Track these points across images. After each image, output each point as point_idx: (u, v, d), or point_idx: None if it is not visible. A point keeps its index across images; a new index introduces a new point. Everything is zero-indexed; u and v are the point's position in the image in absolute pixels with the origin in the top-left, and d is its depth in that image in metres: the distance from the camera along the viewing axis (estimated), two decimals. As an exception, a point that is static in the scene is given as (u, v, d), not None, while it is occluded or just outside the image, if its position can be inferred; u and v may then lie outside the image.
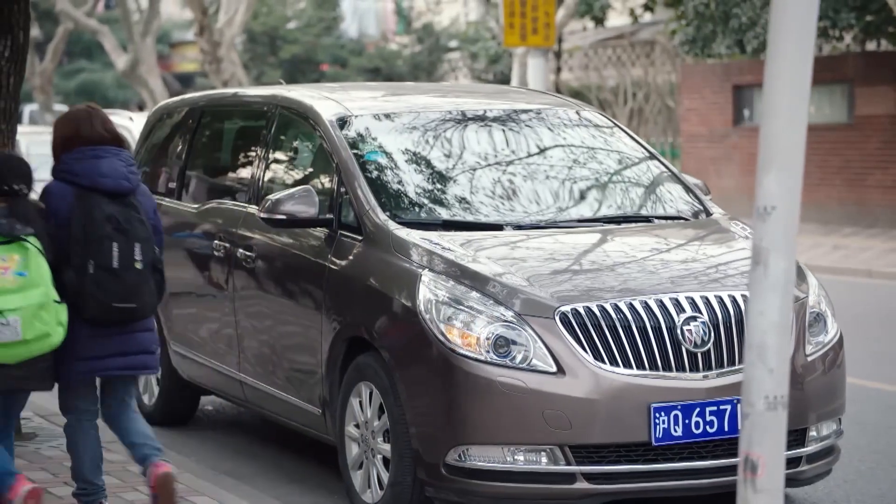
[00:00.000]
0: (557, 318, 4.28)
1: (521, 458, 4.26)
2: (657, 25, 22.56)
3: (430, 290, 4.40)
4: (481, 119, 5.33)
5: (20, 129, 7.29)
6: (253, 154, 5.70)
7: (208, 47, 18.50)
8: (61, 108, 27.02)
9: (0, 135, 5.24)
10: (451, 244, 4.60)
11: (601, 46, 23.58)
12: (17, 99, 5.25)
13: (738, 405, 4.25)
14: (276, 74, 26.39)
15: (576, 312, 4.28)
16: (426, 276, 4.45)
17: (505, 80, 23.59)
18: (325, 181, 5.15)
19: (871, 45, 16.98)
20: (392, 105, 5.50)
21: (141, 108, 33.57)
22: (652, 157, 5.43)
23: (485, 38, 24.33)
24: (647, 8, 21.55)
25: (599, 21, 22.18)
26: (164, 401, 6.26)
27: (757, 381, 2.29)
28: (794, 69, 2.23)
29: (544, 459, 4.25)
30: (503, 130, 5.29)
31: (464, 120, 5.31)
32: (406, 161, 5.10)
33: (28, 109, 31.17)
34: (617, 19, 23.97)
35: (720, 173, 17.06)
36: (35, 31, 27.26)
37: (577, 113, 5.55)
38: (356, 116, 5.25)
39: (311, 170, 5.38)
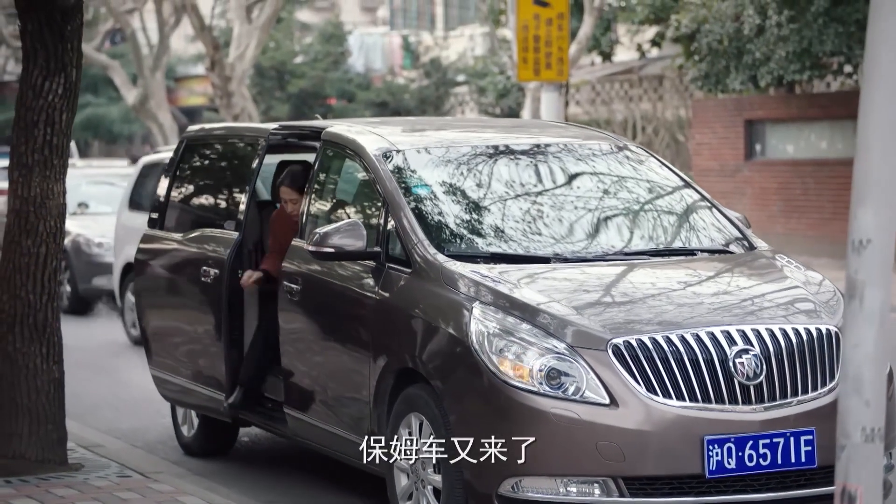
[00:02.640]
0: (610, 350, 4.31)
1: (574, 489, 4.28)
2: (664, 60, 22.73)
3: (481, 322, 4.44)
4: (524, 153, 5.39)
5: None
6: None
7: (219, 82, 18.62)
8: (72, 144, 27.04)
9: (52, 169, 5.31)
10: (500, 276, 4.65)
11: (609, 81, 23.74)
12: (69, 135, 5.32)
13: (792, 438, 4.28)
14: (283, 108, 26.53)
15: (628, 344, 4.32)
16: (477, 308, 4.49)
17: (513, 114, 23.71)
18: (371, 214, 5.20)
19: None
20: (434, 139, 5.56)
21: (147, 142, 33.71)
22: (694, 190, 5.48)
23: (493, 73, 24.49)
24: (655, 43, 21.74)
25: (607, 56, 22.34)
26: (202, 432, 6.28)
27: (853, 413, 2.33)
28: (888, 105, 2.29)
29: (597, 491, 4.27)
30: (546, 164, 5.35)
31: (507, 153, 5.37)
32: (451, 194, 5.15)
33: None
34: (624, 54, 24.15)
35: (732, 208, 17.08)
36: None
37: (618, 146, 5.61)
38: (400, 150, 5.31)
39: (356, 203, 5.44)
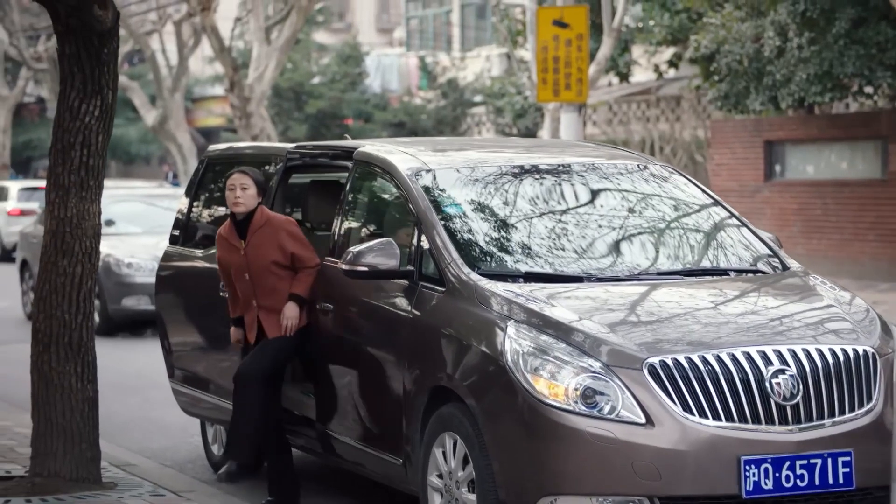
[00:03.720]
0: (646, 370, 4.32)
1: (610, 509, 4.28)
2: (681, 81, 22.76)
3: (515, 341, 4.46)
4: (553, 172, 5.41)
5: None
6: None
7: (238, 102, 18.72)
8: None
9: (88, 190, 5.36)
10: (533, 295, 4.66)
11: (626, 101, 23.78)
12: (105, 156, 5.38)
13: (829, 459, 4.28)
14: (301, 129, 26.64)
15: (664, 364, 4.33)
16: (511, 326, 4.51)
17: (530, 134, 23.76)
18: (403, 233, 5.23)
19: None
20: (464, 158, 5.59)
21: (165, 163, 33.80)
22: (726, 210, 5.50)
23: (510, 94, 24.56)
24: (672, 64, 21.78)
25: (624, 77, 22.38)
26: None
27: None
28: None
29: (633, 511, 4.27)
30: (575, 183, 5.37)
31: (536, 173, 5.40)
32: (482, 213, 5.18)
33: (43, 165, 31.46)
34: (641, 75, 24.19)
35: (750, 227, 17.10)
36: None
37: (651, 167, 5.63)
38: (431, 169, 5.34)
39: (388, 222, 5.47)
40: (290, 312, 5.43)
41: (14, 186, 21.18)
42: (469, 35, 30.28)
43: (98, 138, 5.32)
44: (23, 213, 19.85)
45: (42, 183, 23.55)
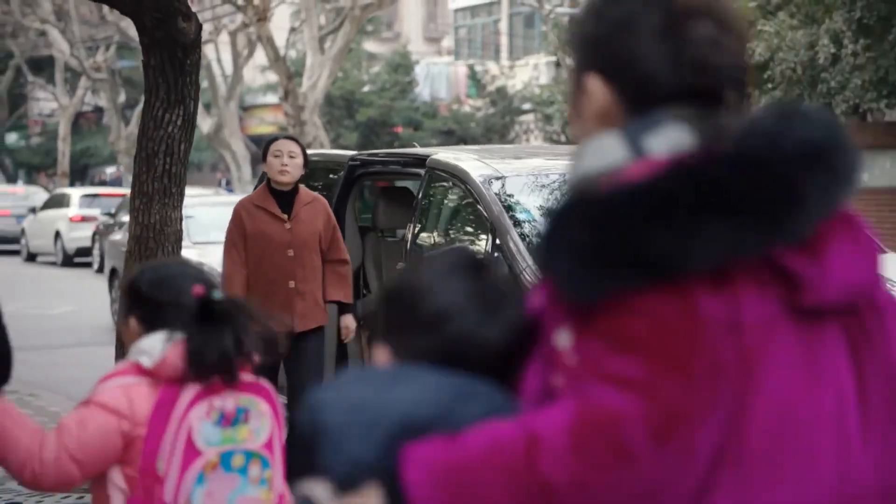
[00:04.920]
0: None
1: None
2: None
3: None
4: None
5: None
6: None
7: (293, 111, 18.92)
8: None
9: (171, 197, 5.48)
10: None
11: (675, 109, 23.76)
12: (186, 164, 5.51)
13: None
14: (352, 137, 26.86)
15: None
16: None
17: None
18: (476, 239, 5.31)
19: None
20: (533, 166, 5.67)
21: (217, 170, 34.12)
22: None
23: (559, 101, 24.61)
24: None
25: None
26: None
27: None
28: None
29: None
30: None
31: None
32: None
33: (107, 171, 32.03)
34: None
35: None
36: (121, 97, 28.07)
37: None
38: (503, 176, 5.41)
39: (461, 228, 5.54)
40: (351, 324, 5.42)
41: (76, 193, 21.55)
42: (517, 44, 30.37)
43: (181, 147, 5.45)
44: (84, 219, 20.19)
45: (102, 189, 23.96)
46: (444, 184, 5.67)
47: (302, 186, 5.39)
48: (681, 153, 1.50)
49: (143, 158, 5.49)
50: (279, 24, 23.55)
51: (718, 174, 1.47)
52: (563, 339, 1.48)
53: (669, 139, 1.51)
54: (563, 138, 24.73)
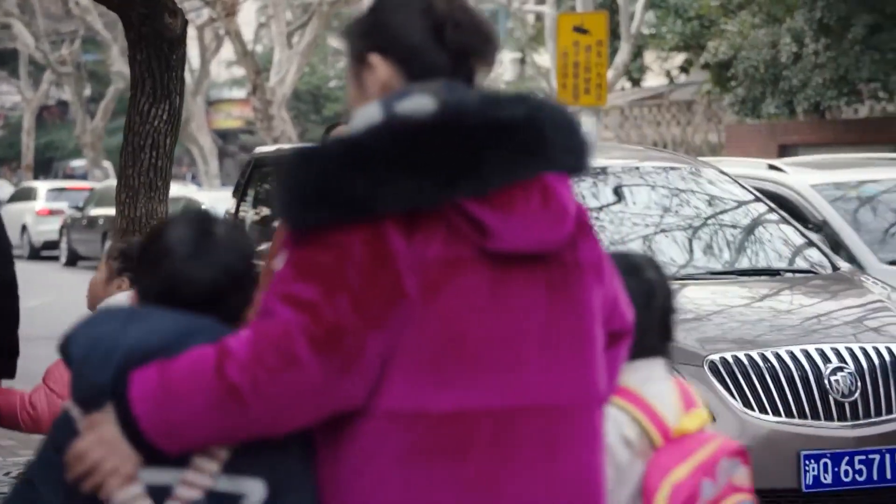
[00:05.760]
0: (706, 366, 4.47)
1: (670, 502, 4.43)
2: (692, 86, 22.94)
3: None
4: (613, 175, 5.56)
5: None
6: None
7: (261, 105, 18.90)
8: (109, 164, 27.46)
9: (157, 191, 5.51)
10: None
11: (638, 106, 23.95)
12: (172, 158, 5.54)
13: (888, 455, 4.42)
14: (319, 131, 26.81)
15: (724, 360, 4.47)
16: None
17: (544, 138, 23.90)
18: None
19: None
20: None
21: (184, 164, 33.97)
22: (776, 213, 5.65)
23: (524, 98, 24.73)
24: (683, 70, 21.96)
25: (636, 82, 22.57)
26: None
27: None
28: None
29: (694, 503, 4.42)
30: (634, 186, 5.53)
31: (597, 175, 5.53)
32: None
33: (72, 165, 31.72)
34: (653, 80, 24.37)
35: (767, 231, 17.25)
36: (87, 91, 27.84)
37: (704, 170, 5.79)
38: None
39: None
40: None
41: (42, 187, 21.40)
42: (481, 39, 30.39)
43: (166, 141, 5.48)
44: (51, 212, 20.05)
45: (70, 183, 23.77)
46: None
47: None
48: (378, 118, 1.79)
49: (129, 153, 5.51)
50: (246, 19, 23.47)
51: (411, 137, 1.76)
52: (278, 263, 1.79)
53: (415, 105, 1.79)
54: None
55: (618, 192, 5.45)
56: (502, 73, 27.77)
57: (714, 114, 21.77)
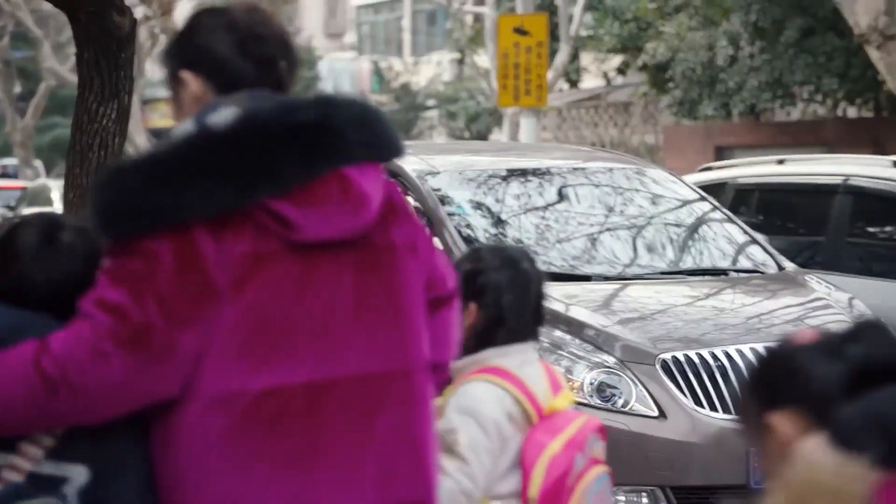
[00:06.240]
0: (658, 365, 4.54)
1: (623, 498, 4.48)
2: (628, 88, 23.20)
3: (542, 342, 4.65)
4: (558, 174, 5.62)
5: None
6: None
7: (197, 105, 18.73)
8: (39, 163, 27.00)
9: (106, 190, 5.45)
10: (554, 295, 4.86)
11: (575, 107, 24.15)
12: (121, 158, 5.48)
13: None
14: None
15: (675, 359, 4.55)
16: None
17: (483, 137, 24.03)
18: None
19: (851, 111, 17.67)
20: (469, 162, 5.78)
21: None
22: (722, 213, 5.75)
23: (463, 98, 24.82)
24: (620, 71, 22.20)
25: (574, 83, 22.76)
26: None
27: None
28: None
29: (645, 500, 4.48)
30: (579, 185, 5.59)
31: (541, 175, 5.60)
32: (489, 215, 5.37)
33: (3, 164, 31.10)
34: (590, 81, 24.59)
35: (703, 231, 17.51)
36: (16, 88, 27.32)
37: (647, 170, 5.87)
38: (439, 172, 5.52)
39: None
40: None
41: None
42: (420, 40, 30.49)
43: (115, 140, 5.42)
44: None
45: (1, 182, 23.30)
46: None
47: None
48: (192, 131, 1.97)
49: (77, 152, 5.43)
50: (183, 18, 23.22)
51: (211, 146, 1.94)
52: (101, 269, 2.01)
53: (222, 117, 1.97)
54: (466, 135, 24.95)
55: (563, 193, 5.51)
56: (440, 73, 27.84)
57: (651, 115, 22.04)
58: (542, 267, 5.09)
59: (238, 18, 2.09)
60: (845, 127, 16.66)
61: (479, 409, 2.65)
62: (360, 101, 2.07)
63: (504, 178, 5.55)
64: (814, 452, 1.56)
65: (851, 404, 1.54)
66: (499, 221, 5.34)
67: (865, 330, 1.68)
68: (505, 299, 2.75)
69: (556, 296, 4.82)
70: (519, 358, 2.70)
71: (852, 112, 17.60)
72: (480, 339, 2.74)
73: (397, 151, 2.10)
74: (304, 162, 1.97)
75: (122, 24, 5.32)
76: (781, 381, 1.66)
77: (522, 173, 5.59)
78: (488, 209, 5.39)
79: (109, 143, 5.44)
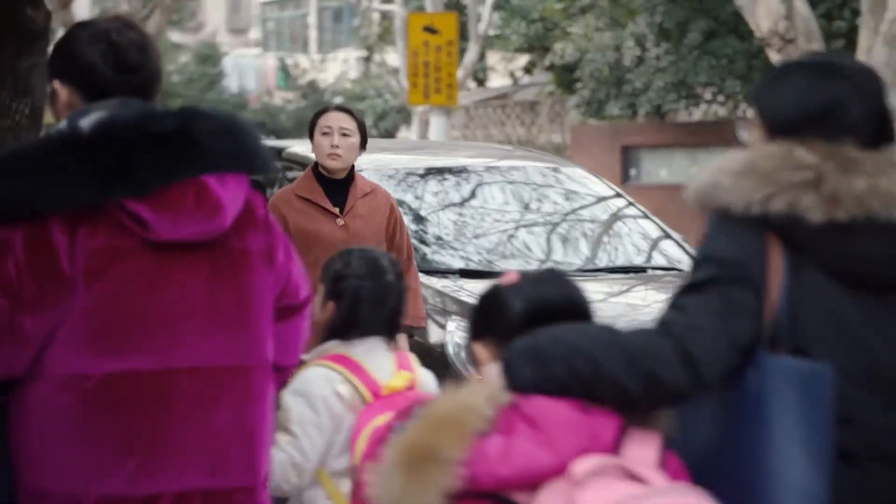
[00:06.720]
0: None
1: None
2: (535, 87, 23.46)
3: (455, 335, 4.69)
4: (481, 173, 5.68)
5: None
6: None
7: (101, 101, 18.38)
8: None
9: (19, 188, 5.35)
10: (470, 290, 4.92)
11: (482, 106, 24.33)
12: None
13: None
14: (161, 129, 26.22)
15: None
16: (451, 321, 4.74)
17: (391, 136, 24.05)
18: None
19: (751, 113, 18.13)
20: (393, 160, 5.81)
21: None
22: (640, 212, 5.87)
23: (371, 96, 24.79)
24: (527, 71, 22.44)
25: (481, 82, 22.94)
26: None
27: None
28: None
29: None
30: (502, 184, 5.66)
31: (464, 174, 5.65)
32: (415, 213, 5.41)
33: None
34: (497, 80, 24.80)
35: (610, 229, 17.81)
36: None
37: (566, 168, 5.96)
38: (363, 170, 5.53)
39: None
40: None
41: None
42: (326, 38, 30.37)
43: (28, 136, 5.32)
44: None
45: None
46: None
47: (358, 174, 4.29)
48: (62, 131, 2.14)
49: (-10, 148, 5.32)
50: (82, 14, 22.74)
51: (70, 148, 2.11)
52: None
53: (89, 121, 2.14)
54: (374, 132, 24.94)
55: (481, 190, 5.57)
56: (347, 70, 27.76)
57: (558, 115, 22.32)
58: (460, 263, 5.26)
59: (102, 28, 2.24)
60: (746, 127, 17.10)
61: (308, 388, 2.81)
62: (229, 115, 2.24)
63: (426, 178, 5.59)
64: (490, 378, 1.93)
65: (521, 338, 1.90)
66: (424, 220, 5.37)
67: (546, 277, 2.10)
68: (361, 307, 2.88)
69: (470, 290, 4.88)
70: (363, 347, 2.84)
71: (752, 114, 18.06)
72: (332, 334, 2.90)
73: (264, 165, 2.25)
74: (162, 168, 2.13)
75: (36, 19, 5.22)
76: (480, 317, 2.09)
77: (446, 172, 5.64)
78: (415, 208, 5.42)
79: (23, 138, 5.33)
